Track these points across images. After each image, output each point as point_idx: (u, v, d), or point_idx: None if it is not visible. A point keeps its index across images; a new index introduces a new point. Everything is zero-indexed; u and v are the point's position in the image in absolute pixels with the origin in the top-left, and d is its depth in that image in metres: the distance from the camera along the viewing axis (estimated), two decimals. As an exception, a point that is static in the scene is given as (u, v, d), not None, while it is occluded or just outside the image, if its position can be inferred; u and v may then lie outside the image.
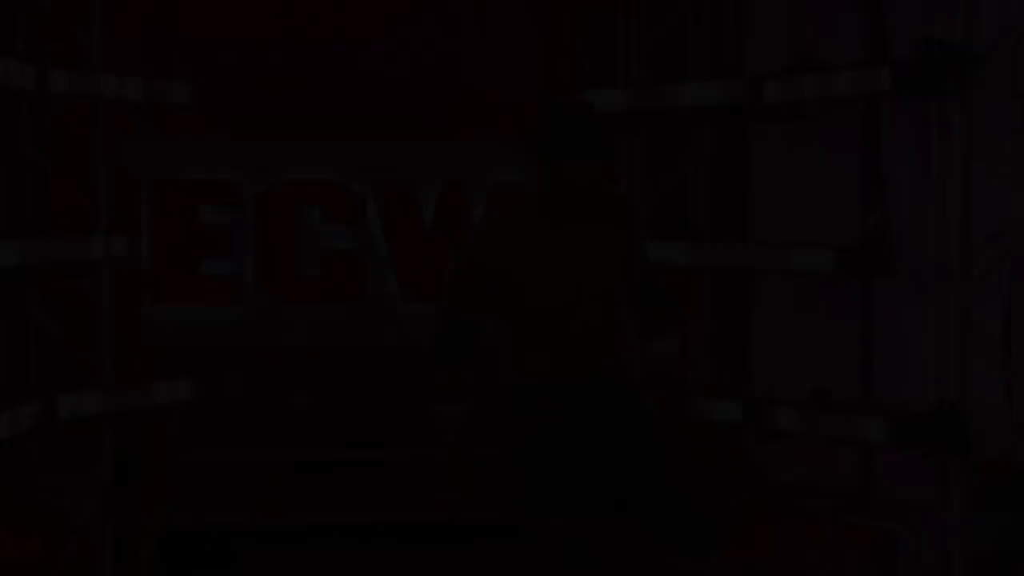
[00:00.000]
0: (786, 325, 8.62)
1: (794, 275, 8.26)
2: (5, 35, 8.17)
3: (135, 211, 9.41)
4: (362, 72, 9.95)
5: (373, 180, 9.76)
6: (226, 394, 9.49)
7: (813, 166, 8.46)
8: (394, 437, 9.87)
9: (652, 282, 6.16)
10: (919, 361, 7.82)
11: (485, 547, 9.56)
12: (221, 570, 9.27)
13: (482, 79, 9.90)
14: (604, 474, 6.05)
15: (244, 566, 9.42)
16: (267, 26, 9.97)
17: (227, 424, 9.76)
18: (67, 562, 7.89)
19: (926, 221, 7.71)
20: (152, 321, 9.48)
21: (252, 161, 9.66)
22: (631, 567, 6.67)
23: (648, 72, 9.40)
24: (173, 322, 9.52)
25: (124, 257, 8.65)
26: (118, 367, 8.73)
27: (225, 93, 9.60)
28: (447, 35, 10.07)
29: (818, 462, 8.33)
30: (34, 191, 8.34)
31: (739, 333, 8.70)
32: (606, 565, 5.88)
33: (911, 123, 7.90)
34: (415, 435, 9.83)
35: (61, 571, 7.85)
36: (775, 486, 8.30)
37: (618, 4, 9.62)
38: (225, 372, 9.50)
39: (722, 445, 8.78)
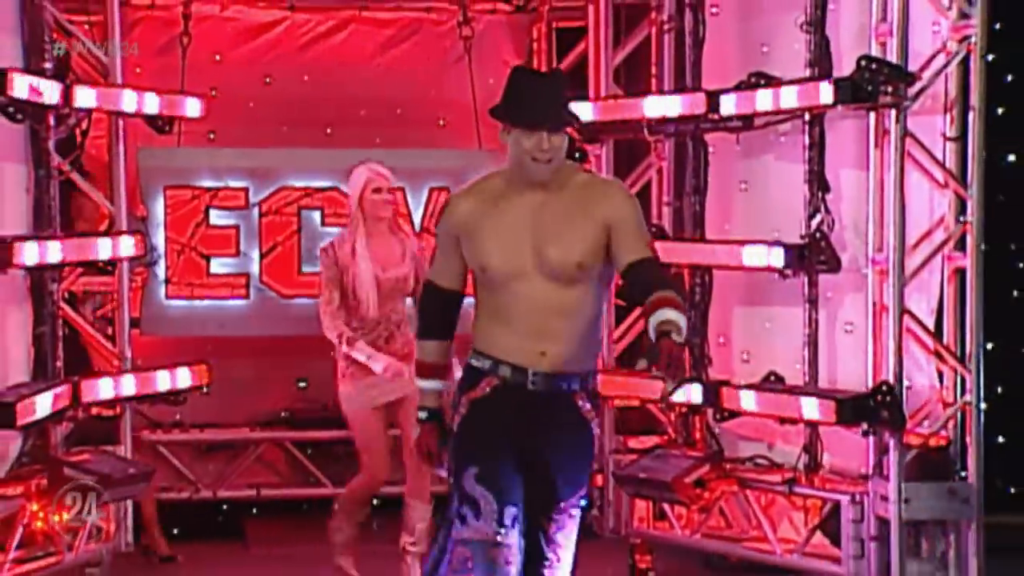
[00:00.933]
0: (739, 315, 8.63)
1: (747, 270, 8.32)
2: (34, 54, 8.20)
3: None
4: (358, 90, 9.99)
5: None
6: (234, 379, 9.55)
7: (764, 172, 8.47)
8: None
9: (645, 280, 5.11)
10: (860, 347, 7.85)
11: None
12: (231, 538, 9.31)
13: (465, 95, 9.92)
14: (519, 487, 5.22)
15: (252, 534, 9.46)
16: (272, 48, 10.03)
17: (236, 407, 9.80)
18: (91, 530, 7.91)
19: (866, 221, 7.78)
20: (167, 314, 9.54)
21: (257, 169, 9.71)
22: None
23: (615, 87, 9.48)
24: (186, 314, 9.57)
25: (140, 256, 8.70)
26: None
27: (234, 107, 9.67)
28: (433, 56, 10.10)
29: (770, 439, 8.34)
30: (60, 195, 8.36)
31: (698, 324, 8.70)
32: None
33: (852, 132, 7.94)
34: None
35: (86, 539, 7.86)
36: (732, 461, 8.31)
37: (588, 26, 9.72)
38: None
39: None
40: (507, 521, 5.10)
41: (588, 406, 5.30)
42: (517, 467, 5.18)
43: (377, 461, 7.74)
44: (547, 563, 5.26)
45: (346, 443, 9.92)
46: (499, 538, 5.09)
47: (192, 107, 8.82)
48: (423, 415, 5.44)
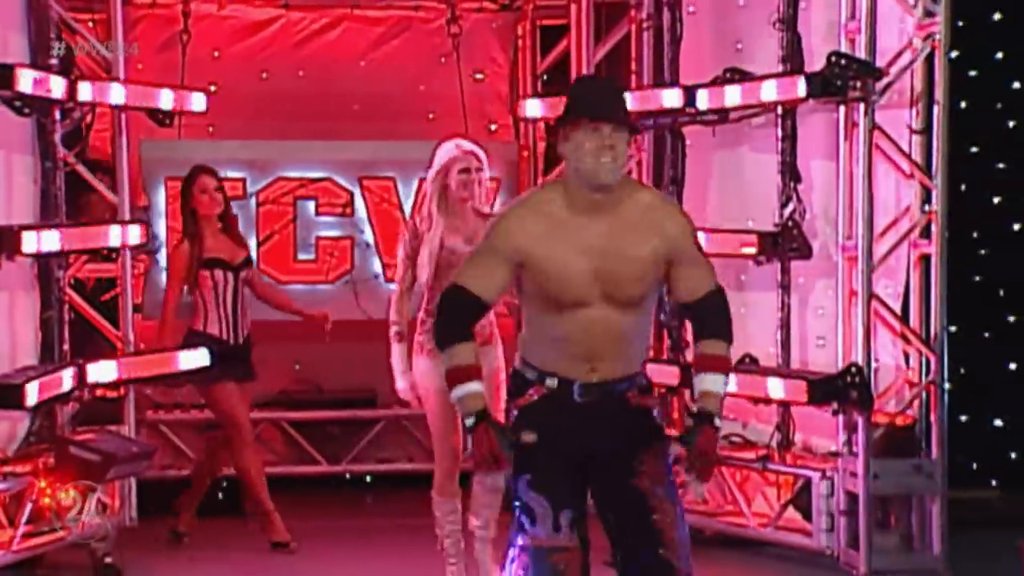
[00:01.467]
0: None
1: (723, 257, 8.33)
2: (40, 51, 8.19)
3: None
4: (351, 85, 9.99)
5: (360, 177, 9.82)
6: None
7: (738, 163, 8.49)
8: (380, 398, 9.93)
9: (703, 310, 4.95)
10: (830, 330, 7.87)
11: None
12: (231, 514, 9.30)
13: (453, 89, 9.93)
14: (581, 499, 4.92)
15: (250, 510, 9.45)
16: (268, 45, 10.02)
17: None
18: (96, 506, 7.90)
19: (836, 209, 7.80)
20: (170, 299, 9.50)
21: (255, 160, 9.70)
22: None
23: (597, 82, 9.48)
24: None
25: (142, 244, 8.70)
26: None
27: (232, 102, 9.65)
28: (422, 52, 10.09)
29: (745, 419, 8.37)
30: (67, 186, 8.36)
31: (676, 308, 8.71)
32: None
33: (822, 125, 7.96)
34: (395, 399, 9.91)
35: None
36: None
37: (570, 24, 9.73)
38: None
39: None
40: (563, 524, 4.81)
41: (644, 398, 4.96)
42: (573, 467, 4.87)
43: (454, 441, 6.94)
44: (656, 513, 4.83)
45: (340, 423, 9.97)
46: (556, 542, 4.80)
47: (197, 101, 8.82)
48: (471, 421, 4.81)
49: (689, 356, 8.62)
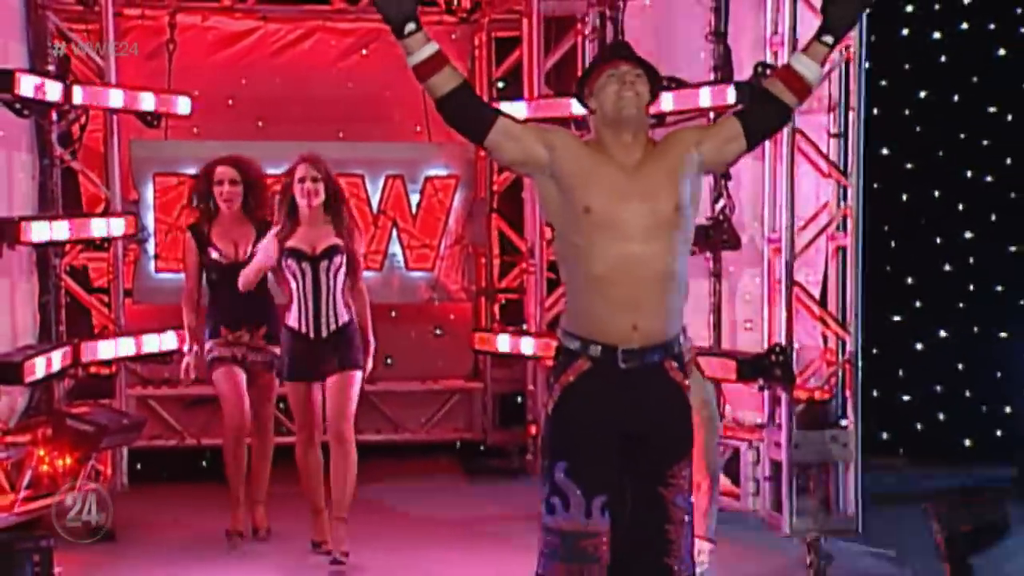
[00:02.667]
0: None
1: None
2: (38, 58, 8.15)
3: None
4: (324, 90, 9.95)
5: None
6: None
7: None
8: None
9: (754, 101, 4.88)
10: (757, 314, 7.90)
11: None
12: (214, 480, 9.27)
13: (416, 95, 9.84)
14: (614, 476, 4.61)
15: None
16: (248, 53, 9.97)
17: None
18: (89, 474, 7.87)
19: (762, 205, 7.82)
20: (156, 285, 9.48)
21: (235, 159, 9.64)
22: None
23: (546, 89, 9.50)
24: (173, 286, 9.47)
25: (132, 235, 8.67)
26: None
27: (215, 105, 9.61)
28: (388, 61, 10.04)
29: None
30: (64, 182, 8.34)
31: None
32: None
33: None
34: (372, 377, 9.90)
35: (85, 481, 7.83)
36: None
37: (522, 36, 9.73)
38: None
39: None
40: (595, 511, 4.54)
41: (680, 374, 4.65)
42: (611, 452, 4.56)
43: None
44: (669, 523, 4.62)
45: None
46: (587, 528, 4.54)
47: (183, 105, 8.81)
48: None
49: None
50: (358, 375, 7.17)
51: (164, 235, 9.43)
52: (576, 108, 8.55)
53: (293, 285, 7.14)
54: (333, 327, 7.11)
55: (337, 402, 7.09)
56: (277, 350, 7.37)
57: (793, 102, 4.67)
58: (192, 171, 9.41)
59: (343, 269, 7.15)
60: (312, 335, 7.11)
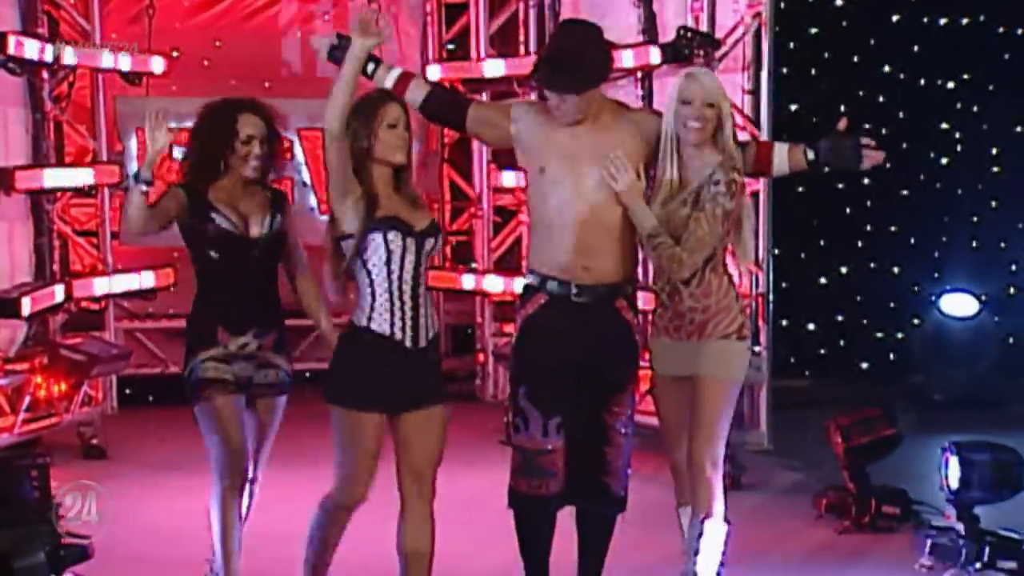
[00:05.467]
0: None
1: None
2: (30, 22, 7.99)
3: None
4: (290, 52, 9.82)
5: (298, 128, 9.69)
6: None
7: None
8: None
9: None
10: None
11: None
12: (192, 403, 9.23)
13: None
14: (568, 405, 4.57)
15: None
16: (222, 18, 9.82)
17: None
18: (82, 399, 7.83)
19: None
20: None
21: (211, 114, 9.54)
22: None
23: (492, 50, 9.42)
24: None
25: (118, 183, 8.57)
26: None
27: (192, 66, 9.47)
28: (348, 27, 9.93)
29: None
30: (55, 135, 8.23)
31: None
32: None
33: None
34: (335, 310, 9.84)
35: (79, 405, 7.78)
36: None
37: (469, 2, 9.63)
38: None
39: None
40: (551, 431, 4.54)
41: (630, 315, 4.62)
42: (564, 378, 4.53)
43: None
44: (608, 446, 4.63)
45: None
46: (544, 445, 4.54)
47: (158, 65, 8.69)
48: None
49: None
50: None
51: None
52: (518, 68, 8.56)
53: (380, 271, 4.40)
54: (431, 334, 4.49)
55: (428, 443, 4.48)
56: (287, 365, 4.96)
57: (749, 171, 4.63)
58: (172, 125, 9.27)
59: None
60: (409, 344, 4.41)
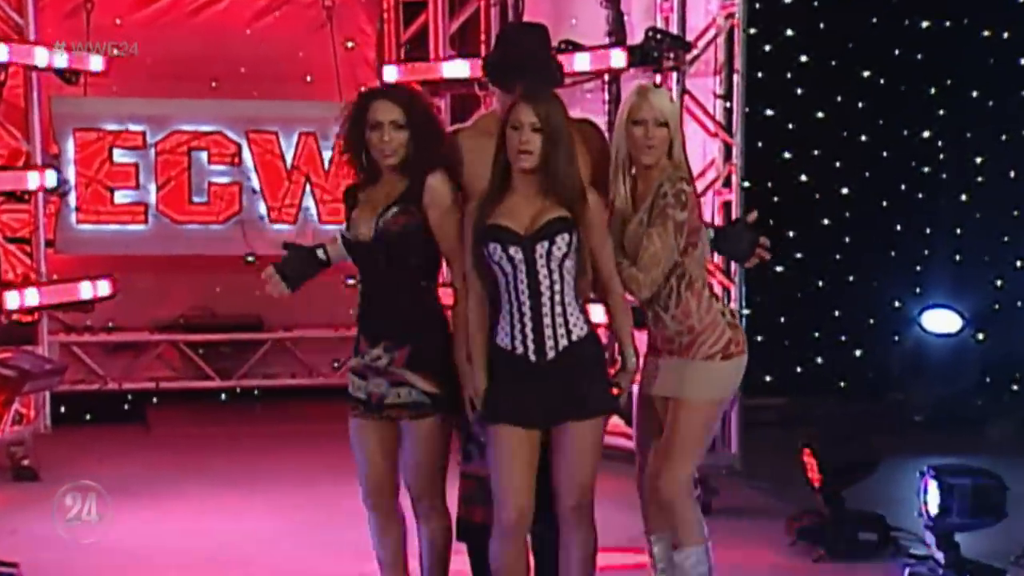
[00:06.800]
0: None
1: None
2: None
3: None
4: (238, 51, 9.79)
5: (247, 131, 9.68)
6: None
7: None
8: (266, 323, 9.85)
9: None
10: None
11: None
12: (135, 422, 9.18)
13: (327, 56, 9.83)
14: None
15: (153, 420, 9.35)
16: (165, 13, 9.78)
17: (138, 313, 9.65)
18: (13, 417, 7.75)
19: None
20: (78, 236, 9.34)
21: (153, 116, 9.49)
22: None
23: (451, 51, 9.41)
24: (94, 237, 9.39)
25: (55, 188, 8.49)
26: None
27: (133, 64, 9.41)
28: (300, 23, 9.96)
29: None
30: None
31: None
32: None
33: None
34: (279, 323, 9.83)
35: (9, 424, 7.70)
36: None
37: (427, 2, 9.63)
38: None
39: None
40: None
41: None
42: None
43: None
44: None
45: (231, 344, 9.85)
46: None
47: (96, 62, 8.64)
48: None
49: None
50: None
51: (85, 188, 9.32)
52: (479, 70, 8.53)
53: (499, 283, 4.37)
54: (564, 345, 4.33)
55: (564, 463, 4.37)
56: (423, 383, 4.47)
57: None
58: (111, 126, 9.33)
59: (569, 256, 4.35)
60: (533, 357, 4.34)
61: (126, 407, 9.50)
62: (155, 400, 9.64)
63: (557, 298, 4.27)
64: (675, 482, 4.46)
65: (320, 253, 4.67)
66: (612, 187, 4.47)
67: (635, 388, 4.61)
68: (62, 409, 8.93)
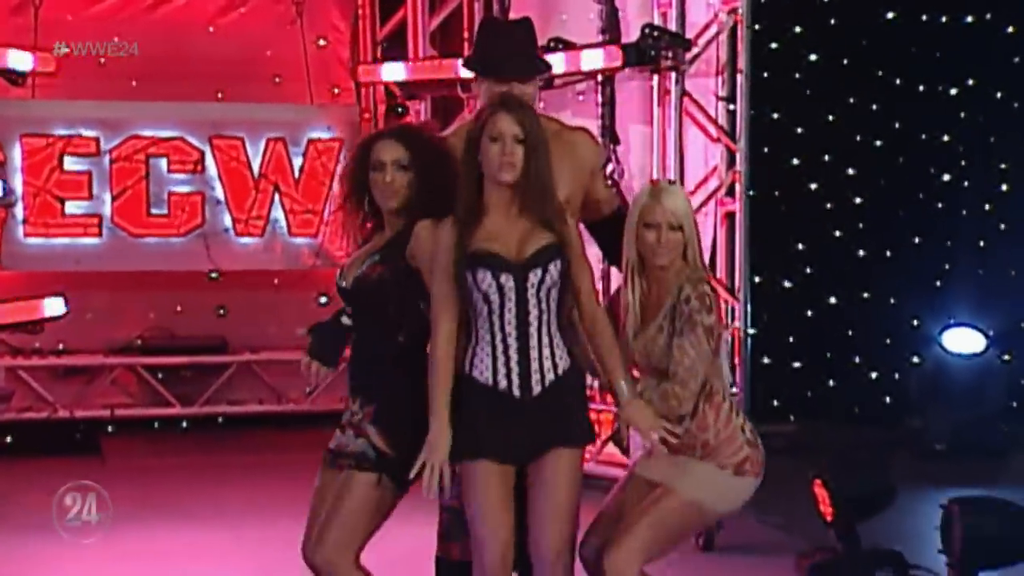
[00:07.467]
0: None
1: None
2: None
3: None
4: (201, 49, 9.79)
5: (210, 136, 9.67)
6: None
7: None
8: (230, 344, 9.83)
9: (616, 221, 4.61)
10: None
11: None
12: (88, 453, 9.15)
13: (298, 55, 9.84)
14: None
15: (108, 450, 9.31)
16: (121, 9, 9.78)
17: (91, 334, 9.63)
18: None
19: (651, 169, 7.83)
20: (25, 251, 9.31)
21: (108, 120, 9.47)
22: None
23: (432, 50, 9.42)
24: (43, 252, 9.36)
25: (0, 199, 8.49)
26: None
27: (86, 64, 9.41)
28: (268, 19, 9.96)
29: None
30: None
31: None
32: None
33: (638, 92, 7.98)
34: (245, 345, 9.82)
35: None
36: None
37: (406, -5, 9.68)
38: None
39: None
40: None
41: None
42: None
43: None
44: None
45: (192, 368, 9.83)
46: None
47: (44, 62, 8.64)
48: None
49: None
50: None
51: (33, 198, 9.29)
52: (462, 70, 8.54)
53: (480, 312, 4.31)
54: (550, 379, 4.33)
55: (540, 498, 4.33)
56: (377, 437, 4.46)
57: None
58: (61, 131, 9.31)
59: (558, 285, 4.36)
60: (518, 393, 4.31)
61: (78, 437, 9.46)
62: (110, 429, 9.60)
63: (544, 329, 4.29)
64: (625, 563, 4.38)
65: (345, 320, 4.62)
66: (624, 289, 4.49)
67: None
68: (8, 439, 8.92)
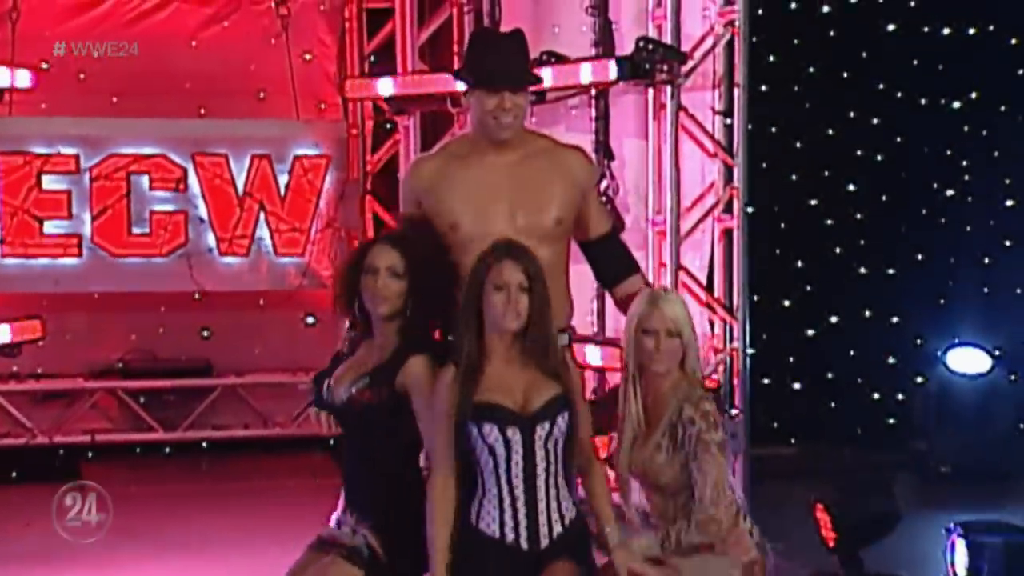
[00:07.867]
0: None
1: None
2: None
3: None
4: (183, 64, 9.83)
5: (193, 153, 9.71)
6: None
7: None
8: (215, 367, 9.85)
9: (609, 242, 4.81)
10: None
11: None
12: (68, 480, 9.15)
13: (283, 69, 9.86)
14: None
15: (88, 477, 9.31)
16: (100, 23, 9.82)
17: (71, 357, 9.64)
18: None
19: (646, 186, 7.89)
20: (2, 272, 9.33)
21: (88, 137, 9.51)
22: None
23: (421, 64, 9.47)
24: (21, 272, 9.39)
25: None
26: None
27: (65, 79, 9.45)
28: (252, 33, 9.99)
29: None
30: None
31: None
32: None
33: (633, 106, 8.03)
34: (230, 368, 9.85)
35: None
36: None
37: (395, 7, 9.69)
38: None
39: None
40: None
41: (574, 375, 4.51)
42: None
43: None
44: None
45: (175, 391, 9.85)
46: None
47: (22, 78, 8.67)
48: None
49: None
50: None
51: (10, 218, 9.33)
52: (449, 85, 8.61)
53: (486, 464, 4.37)
54: (558, 531, 4.41)
55: None
56: (377, 545, 4.55)
57: None
58: (40, 149, 9.35)
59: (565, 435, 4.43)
60: (525, 546, 4.39)
61: (57, 463, 9.48)
62: (90, 455, 9.61)
63: (552, 480, 4.37)
64: None
65: None
66: (621, 399, 4.58)
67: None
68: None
